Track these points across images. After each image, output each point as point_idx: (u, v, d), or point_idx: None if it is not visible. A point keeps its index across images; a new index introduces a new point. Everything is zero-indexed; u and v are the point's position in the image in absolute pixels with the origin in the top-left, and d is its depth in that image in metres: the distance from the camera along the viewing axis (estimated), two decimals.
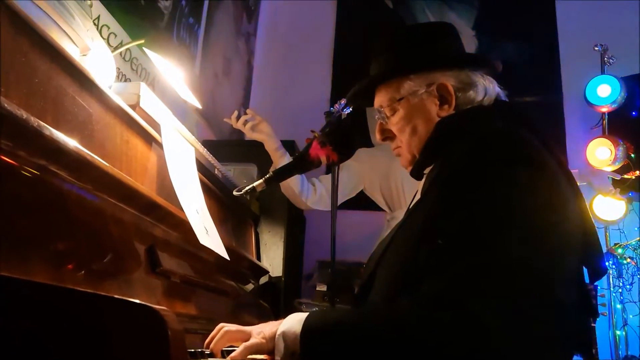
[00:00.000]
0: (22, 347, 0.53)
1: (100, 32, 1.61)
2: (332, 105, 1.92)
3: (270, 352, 0.90)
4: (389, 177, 2.15)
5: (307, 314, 0.90)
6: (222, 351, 0.94)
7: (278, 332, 0.89)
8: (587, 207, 0.96)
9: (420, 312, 0.78)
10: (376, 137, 1.16)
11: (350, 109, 1.84)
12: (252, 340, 0.90)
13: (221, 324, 0.96)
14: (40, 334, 0.54)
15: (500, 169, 0.85)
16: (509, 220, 0.81)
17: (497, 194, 0.83)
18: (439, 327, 0.75)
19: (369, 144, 2.27)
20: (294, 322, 0.89)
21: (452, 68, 1.06)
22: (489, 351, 0.74)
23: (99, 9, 1.62)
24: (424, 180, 1.07)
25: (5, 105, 0.63)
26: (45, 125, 0.72)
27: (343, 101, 1.84)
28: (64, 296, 0.55)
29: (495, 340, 0.75)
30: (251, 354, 0.90)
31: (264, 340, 0.90)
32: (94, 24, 1.43)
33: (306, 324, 0.87)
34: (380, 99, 1.12)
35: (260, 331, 0.92)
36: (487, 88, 1.07)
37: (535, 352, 0.79)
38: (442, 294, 0.78)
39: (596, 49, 2.92)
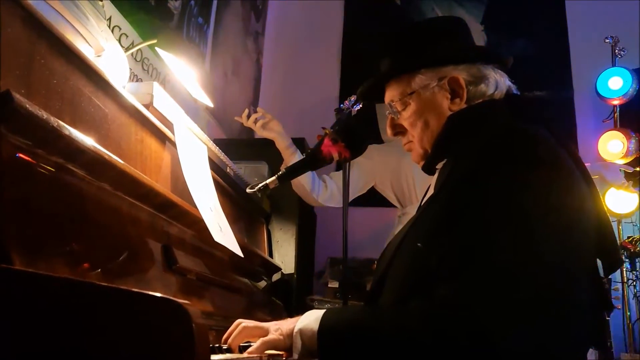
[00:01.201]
0: (49, 340, 0.55)
1: (112, 33, 1.62)
2: (341, 102, 1.93)
3: (287, 349, 0.91)
4: (399, 173, 2.15)
5: (322, 311, 0.90)
6: (239, 347, 0.95)
7: (295, 330, 0.90)
8: (602, 200, 0.95)
9: (430, 317, 0.79)
10: (387, 132, 1.15)
11: (360, 106, 1.84)
12: (270, 336, 0.91)
13: (239, 320, 0.97)
14: (64, 328, 0.55)
15: (516, 170, 0.85)
16: (524, 223, 0.80)
17: (513, 196, 0.83)
18: (448, 333, 0.76)
19: (379, 140, 2.27)
20: (311, 320, 0.90)
21: (463, 62, 1.06)
22: (500, 356, 0.75)
23: (110, 10, 1.64)
24: (436, 175, 1.07)
25: (27, 106, 0.64)
26: (65, 125, 0.73)
27: (353, 98, 1.84)
28: (89, 291, 0.56)
29: (506, 346, 0.75)
30: (268, 350, 0.91)
31: (281, 337, 0.91)
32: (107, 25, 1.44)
33: (322, 322, 0.88)
34: (392, 93, 1.12)
35: (278, 328, 0.93)
36: (498, 81, 1.06)
37: (550, 348, 0.79)
38: (454, 299, 0.78)
39: (607, 41, 2.88)
